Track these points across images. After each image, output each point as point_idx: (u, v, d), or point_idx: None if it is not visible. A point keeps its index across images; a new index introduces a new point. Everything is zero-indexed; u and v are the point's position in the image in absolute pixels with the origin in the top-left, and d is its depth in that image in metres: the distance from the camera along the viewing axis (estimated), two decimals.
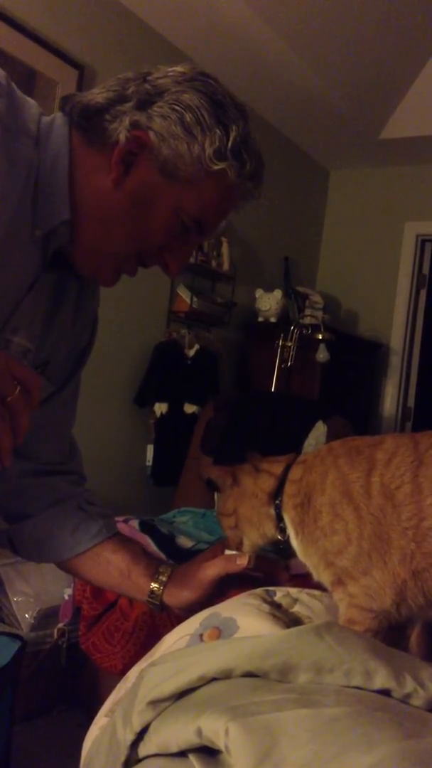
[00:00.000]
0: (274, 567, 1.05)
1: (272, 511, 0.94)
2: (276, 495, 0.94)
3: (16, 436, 0.74)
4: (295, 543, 0.92)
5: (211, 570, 1.01)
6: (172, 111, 0.89)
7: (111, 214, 0.92)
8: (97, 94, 0.92)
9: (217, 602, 0.95)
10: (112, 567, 1.09)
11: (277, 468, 0.96)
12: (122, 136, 0.89)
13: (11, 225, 0.88)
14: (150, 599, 1.06)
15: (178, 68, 0.93)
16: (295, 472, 0.93)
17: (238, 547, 1.00)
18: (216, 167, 0.90)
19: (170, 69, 0.93)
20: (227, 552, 1.01)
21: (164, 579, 1.06)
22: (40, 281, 0.96)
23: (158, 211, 0.92)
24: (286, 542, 0.93)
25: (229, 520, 0.99)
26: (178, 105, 0.89)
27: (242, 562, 0.99)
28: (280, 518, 0.93)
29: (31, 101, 0.93)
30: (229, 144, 0.90)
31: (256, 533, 0.97)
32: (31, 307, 0.96)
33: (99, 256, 0.96)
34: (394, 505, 0.82)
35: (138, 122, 0.89)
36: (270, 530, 0.95)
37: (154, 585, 1.06)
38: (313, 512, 0.88)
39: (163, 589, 1.06)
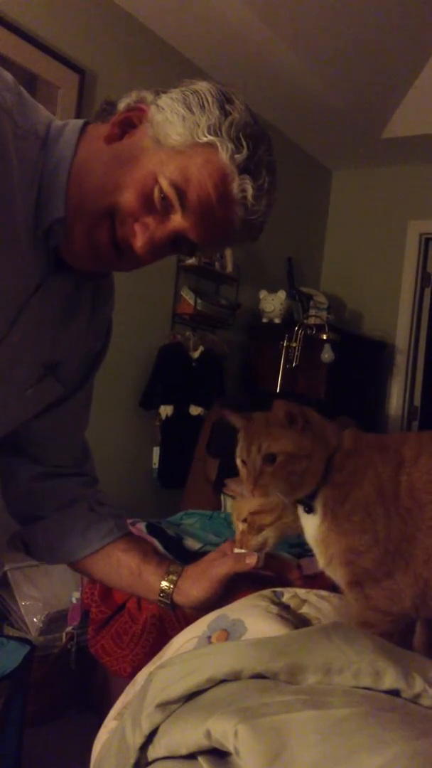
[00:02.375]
0: (285, 566, 1.04)
1: (323, 467, 0.88)
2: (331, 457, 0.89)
3: None
4: (313, 524, 0.88)
5: (221, 569, 1.01)
6: (179, 92, 0.91)
7: (92, 166, 0.92)
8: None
9: (227, 602, 0.95)
10: (123, 566, 1.10)
11: (335, 426, 0.92)
12: (125, 105, 0.93)
13: (16, 224, 0.89)
14: (161, 598, 1.07)
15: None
16: (348, 442, 0.90)
17: (291, 499, 0.91)
18: (205, 139, 0.88)
19: None
20: (236, 551, 1.01)
21: (175, 578, 1.06)
22: (48, 283, 0.96)
23: (136, 169, 0.90)
24: (303, 516, 0.89)
25: (301, 464, 0.88)
26: (187, 89, 0.91)
27: (251, 561, 0.98)
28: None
29: (41, 107, 0.95)
30: (226, 123, 0.88)
31: (307, 488, 0.89)
32: (39, 308, 0.96)
33: (76, 219, 0.92)
34: (420, 505, 0.81)
35: (145, 98, 0.93)
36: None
37: (164, 584, 1.06)
38: (350, 506, 0.85)
39: (173, 588, 1.06)
